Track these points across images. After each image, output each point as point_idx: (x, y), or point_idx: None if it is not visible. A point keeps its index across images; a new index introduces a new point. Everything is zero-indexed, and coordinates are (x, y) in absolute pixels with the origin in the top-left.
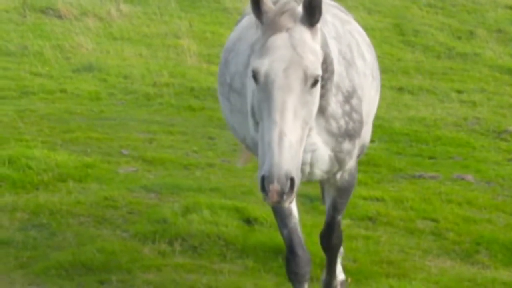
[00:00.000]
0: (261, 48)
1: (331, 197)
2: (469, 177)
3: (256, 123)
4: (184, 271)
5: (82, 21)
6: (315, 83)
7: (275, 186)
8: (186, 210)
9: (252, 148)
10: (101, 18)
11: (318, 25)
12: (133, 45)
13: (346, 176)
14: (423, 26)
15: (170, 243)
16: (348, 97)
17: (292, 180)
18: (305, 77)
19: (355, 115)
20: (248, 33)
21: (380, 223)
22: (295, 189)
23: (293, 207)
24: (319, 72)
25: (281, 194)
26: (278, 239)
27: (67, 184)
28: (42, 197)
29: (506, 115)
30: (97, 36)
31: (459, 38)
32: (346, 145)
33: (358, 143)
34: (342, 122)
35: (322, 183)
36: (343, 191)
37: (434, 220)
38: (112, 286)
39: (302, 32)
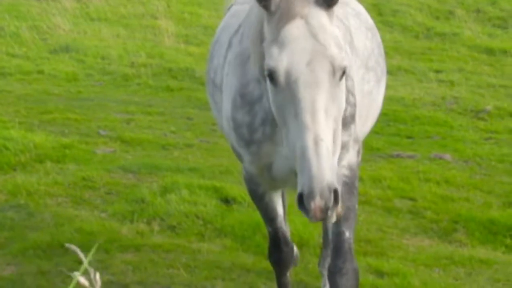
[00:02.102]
0: (273, 42)
1: None
2: (447, 156)
3: (239, 138)
4: (163, 251)
5: (59, 1)
6: (343, 75)
7: (318, 203)
8: (164, 190)
9: (236, 156)
10: None
11: (335, 7)
12: (110, 26)
13: (345, 171)
14: (401, 6)
15: (148, 223)
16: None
17: (336, 192)
18: (333, 69)
19: (351, 98)
20: (231, 22)
21: (358, 202)
22: (340, 201)
23: (279, 207)
24: (346, 62)
25: (325, 210)
26: (256, 218)
27: (44, 164)
28: (20, 178)
29: (484, 95)
30: (74, 17)
31: (438, 18)
32: (344, 136)
33: (353, 130)
34: None
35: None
36: (345, 187)
37: (412, 199)
38: (90, 266)
39: (320, 17)
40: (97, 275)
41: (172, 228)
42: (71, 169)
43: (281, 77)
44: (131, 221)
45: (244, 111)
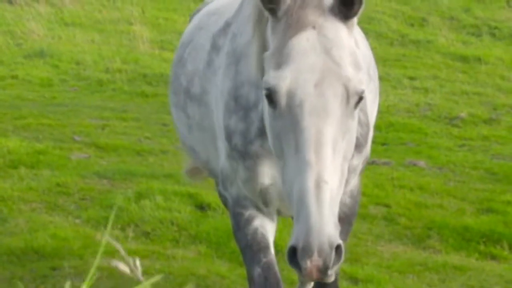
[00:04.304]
0: (277, 54)
1: None
2: (421, 163)
3: (232, 149)
4: (137, 257)
5: (33, 6)
6: (359, 102)
7: (315, 261)
8: (139, 196)
9: (223, 179)
10: (52, 4)
11: (355, 19)
12: (85, 31)
13: (346, 199)
14: (376, 13)
15: (123, 229)
16: None
17: (338, 248)
18: (347, 93)
19: (362, 117)
20: (210, 21)
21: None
22: (342, 259)
23: (271, 237)
24: (364, 86)
25: (324, 270)
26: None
27: (18, 170)
28: None
29: (458, 102)
30: (49, 22)
31: (412, 25)
32: (354, 160)
33: (365, 154)
34: None
35: None
36: (343, 221)
37: (386, 206)
38: (64, 272)
39: (336, 29)
40: (137, 262)
41: (146, 234)
42: (45, 175)
43: (282, 99)
44: (106, 227)
45: (237, 117)
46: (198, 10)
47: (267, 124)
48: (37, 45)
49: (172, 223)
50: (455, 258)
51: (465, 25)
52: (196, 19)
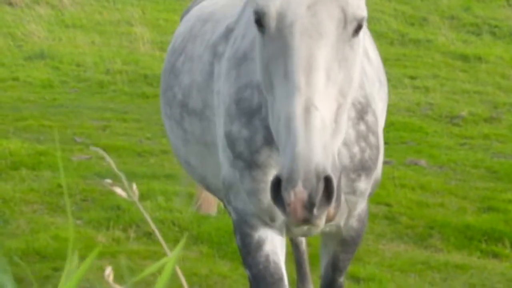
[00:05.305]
0: None
1: (331, 253)
2: (422, 162)
3: (236, 157)
4: (139, 258)
5: (33, 8)
6: (358, 29)
7: (299, 193)
8: (140, 197)
9: (226, 191)
10: (53, 6)
11: None
12: (85, 33)
13: (354, 223)
14: (376, 13)
15: (124, 230)
16: (361, 112)
17: (328, 180)
18: (344, 17)
19: (372, 138)
20: (205, 29)
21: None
22: (334, 197)
23: (282, 258)
24: (365, 12)
25: (309, 205)
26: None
27: (20, 172)
28: None
29: (459, 101)
30: (49, 24)
31: (412, 24)
32: (361, 183)
33: (373, 177)
34: (356, 150)
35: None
36: (349, 244)
37: (387, 205)
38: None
39: None
40: (134, 186)
41: (148, 235)
42: (47, 176)
43: (272, 22)
44: (107, 228)
45: (240, 123)
46: (189, 10)
47: (257, 57)
48: (37, 47)
49: (174, 224)
50: (457, 257)
51: (465, 24)
52: (188, 22)
